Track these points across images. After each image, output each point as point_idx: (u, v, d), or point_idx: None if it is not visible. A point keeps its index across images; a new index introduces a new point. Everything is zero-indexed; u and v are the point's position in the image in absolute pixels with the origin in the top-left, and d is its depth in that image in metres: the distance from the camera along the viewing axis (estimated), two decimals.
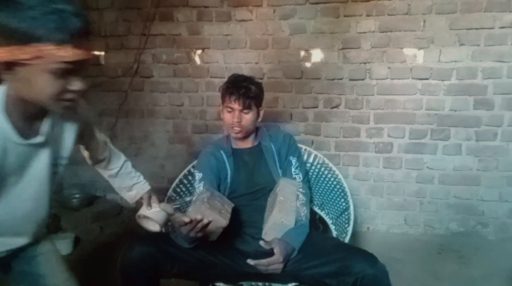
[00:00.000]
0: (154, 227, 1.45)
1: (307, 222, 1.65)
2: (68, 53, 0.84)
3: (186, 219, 1.28)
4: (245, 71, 2.79)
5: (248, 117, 1.72)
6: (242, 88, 1.70)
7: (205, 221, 1.31)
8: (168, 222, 1.54)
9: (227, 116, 1.74)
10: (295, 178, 1.76)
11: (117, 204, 3.10)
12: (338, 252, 1.51)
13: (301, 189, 1.72)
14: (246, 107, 1.70)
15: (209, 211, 1.37)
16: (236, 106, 1.70)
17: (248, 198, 1.72)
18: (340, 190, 1.94)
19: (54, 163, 1.09)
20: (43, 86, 0.85)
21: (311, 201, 1.92)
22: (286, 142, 1.83)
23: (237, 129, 1.72)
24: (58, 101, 0.90)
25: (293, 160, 1.80)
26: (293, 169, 1.78)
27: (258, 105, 1.78)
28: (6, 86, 0.89)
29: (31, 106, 0.91)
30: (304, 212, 1.65)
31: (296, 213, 1.58)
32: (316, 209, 2.02)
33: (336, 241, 1.74)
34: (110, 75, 3.01)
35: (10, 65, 0.82)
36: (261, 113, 1.81)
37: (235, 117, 1.70)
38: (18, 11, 0.78)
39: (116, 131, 3.07)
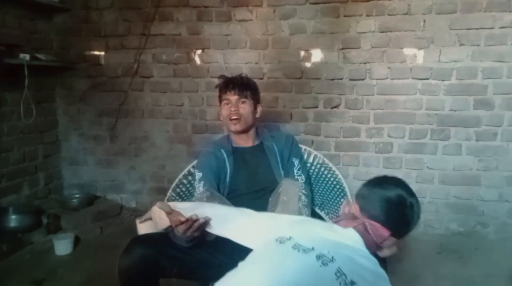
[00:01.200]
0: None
1: None
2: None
3: (182, 218, 1.29)
4: (245, 71, 2.78)
5: (244, 107, 1.76)
6: (237, 78, 1.80)
7: (201, 220, 1.31)
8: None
9: (225, 109, 1.78)
10: (297, 180, 1.76)
11: (117, 204, 3.10)
12: None
13: (303, 191, 1.72)
14: (242, 96, 1.75)
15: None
16: (232, 96, 1.75)
17: (249, 197, 1.72)
18: (340, 190, 1.94)
19: None
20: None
21: (311, 201, 1.92)
22: (288, 143, 1.84)
23: (235, 118, 1.74)
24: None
25: (296, 162, 1.81)
26: (295, 171, 1.79)
27: (255, 99, 1.81)
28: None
29: None
30: (306, 213, 1.66)
31: (298, 214, 1.58)
32: (316, 209, 2.02)
33: None
34: (110, 75, 3.00)
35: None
36: (259, 109, 1.84)
37: (232, 106, 1.75)
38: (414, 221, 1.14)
39: (116, 131, 3.07)
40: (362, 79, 2.72)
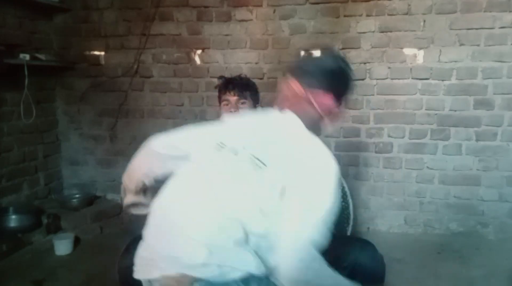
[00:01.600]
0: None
1: None
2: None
3: None
4: (245, 71, 2.79)
5: (244, 107, 1.77)
6: (237, 78, 1.81)
7: None
8: None
9: (225, 109, 1.80)
10: None
11: (117, 204, 3.09)
12: (336, 241, 1.52)
13: None
14: (242, 97, 1.76)
15: None
16: (232, 97, 1.76)
17: None
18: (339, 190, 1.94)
19: None
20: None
21: None
22: None
23: None
24: None
25: None
26: None
27: (254, 99, 1.81)
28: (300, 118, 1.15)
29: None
30: None
31: None
32: None
33: (335, 234, 1.77)
34: (110, 75, 3.00)
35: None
36: (258, 109, 1.84)
37: (232, 107, 1.76)
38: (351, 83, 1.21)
39: (116, 131, 3.07)
40: (362, 79, 2.72)
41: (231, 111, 1.76)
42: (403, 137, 2.73)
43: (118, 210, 3.08)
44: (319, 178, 1.02)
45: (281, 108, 1.17)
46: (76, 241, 2.58)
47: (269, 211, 0.99)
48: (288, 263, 0.96)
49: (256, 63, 2.82)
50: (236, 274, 0.95)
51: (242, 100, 1.76)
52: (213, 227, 0.99)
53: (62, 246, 2.48)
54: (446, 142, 2.69)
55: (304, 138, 1.11)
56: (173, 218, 1.05)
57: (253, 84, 1.86)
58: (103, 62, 3.03)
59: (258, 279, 0.97)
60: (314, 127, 1.16)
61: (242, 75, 1.87)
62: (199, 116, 2.96)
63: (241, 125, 1.23)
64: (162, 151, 1.30)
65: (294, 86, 1.16)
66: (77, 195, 2.97)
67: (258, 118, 1.24)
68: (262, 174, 1.02)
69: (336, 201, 1.02)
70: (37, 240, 2.54)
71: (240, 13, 2.79)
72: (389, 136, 2.75)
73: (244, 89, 1.77)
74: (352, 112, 2.76)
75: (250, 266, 0.97)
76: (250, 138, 1.12)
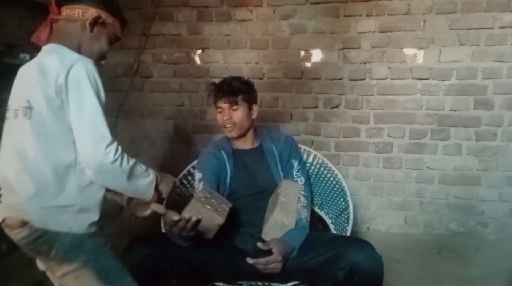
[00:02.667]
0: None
1: (307, 224, 1.65)
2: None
3: (176, 218, 1.29)
4: (245, 71, 2.80)
5: (237, 113, 1.72)
6: (225, 85, 1.73)
7: (194, 219, 1.31)
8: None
9: (219, 117, 1.76)
10: (296, 181, 1.76)
11: (117, 204, 3.08)
12: (335, 241, 1.53)
13: (302, 192, 1.72)
14: (233, 103, 1.71)
15: (204, 209, 1.38)
16: (223, 104, 1.72)
17: (249, 199, 1.72)
18: (339, 190, 1.94)
19: None
20: None
21: (310, 202, 1.92)
22: (288, 144, 1.83)
23: (229, 126, 1.72)
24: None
25: (295, 163, 1.80)
26: (294, 172, 1.78)
27: (248, 101, 1.75)
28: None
29: None
30: (305, 214, 1.66)
31: (297, 215, 1.58)
32: (315, 208, 2.02)
33: (334, 235, 1.77)
34: (110, 75, 3.00)
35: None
36: (255, 109, 1.79)
37: (225, 115, 1.72)
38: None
39: (116, 131, 3.07)
40: (362, 79, 2.72)
41: (225, 119, 1.73)
42: (403, 137, 2.73)
43: (118, 210, 3.08)
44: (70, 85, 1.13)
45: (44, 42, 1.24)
46: None
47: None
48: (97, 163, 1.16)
49: (256, 63, 2.82)
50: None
51: (234, 107, 1.71)
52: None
53: None
54: (446, 142, 2.69)
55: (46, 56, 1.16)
56: None
57: (246, 84, 1.78)
58: (103, 62, 3.02)
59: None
60: (74, 38, 1.24)
61: (233, 78, 1.77)
62: (199, 116, 2.96)
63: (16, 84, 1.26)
64: None
65: (51, 11, 1.23)
66: None
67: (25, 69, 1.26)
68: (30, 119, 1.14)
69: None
70: None
71: (240, 13, 2.79)
72: (389, 136, 2.75)
73: (234, 95, 1.71)
74: (352, 112, 2.77)
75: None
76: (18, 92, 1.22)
